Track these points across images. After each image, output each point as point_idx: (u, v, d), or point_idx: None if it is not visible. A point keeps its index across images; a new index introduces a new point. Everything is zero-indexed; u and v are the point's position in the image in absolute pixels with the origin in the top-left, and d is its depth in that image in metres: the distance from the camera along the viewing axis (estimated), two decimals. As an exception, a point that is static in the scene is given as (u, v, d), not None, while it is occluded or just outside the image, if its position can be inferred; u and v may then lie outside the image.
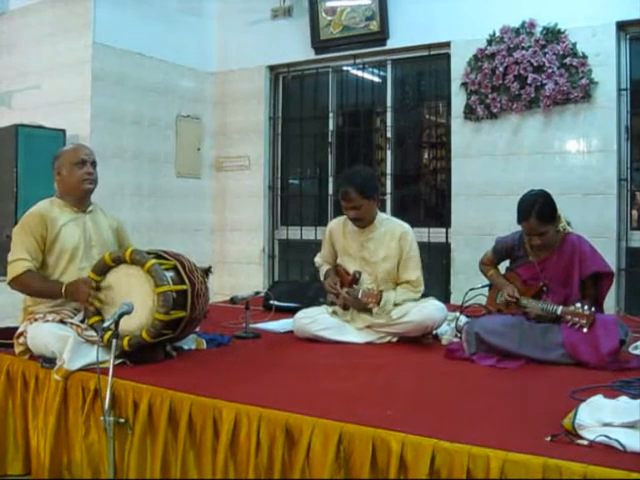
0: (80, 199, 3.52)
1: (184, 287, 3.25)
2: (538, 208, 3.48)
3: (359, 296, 3.82)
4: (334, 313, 4.01)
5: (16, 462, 3.14)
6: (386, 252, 3.98)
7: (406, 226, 4.07)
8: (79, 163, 3.46)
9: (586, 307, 3.27)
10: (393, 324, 3.82)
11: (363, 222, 3.98)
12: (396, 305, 3.86)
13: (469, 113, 5.78)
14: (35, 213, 3.38)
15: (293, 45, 6.68)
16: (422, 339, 3.81)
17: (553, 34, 5.37)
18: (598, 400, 2.29)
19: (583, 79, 5.24)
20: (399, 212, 6.09)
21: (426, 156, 6.71)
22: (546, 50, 5.37)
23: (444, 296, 5.45)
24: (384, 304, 3.79)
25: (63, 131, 5.72)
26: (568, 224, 3.68)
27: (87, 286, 3.19)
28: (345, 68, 6.77)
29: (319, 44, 6.53)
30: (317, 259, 4.34)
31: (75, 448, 2.91)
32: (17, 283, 3.30)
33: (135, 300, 2.91)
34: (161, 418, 2.67)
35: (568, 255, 3.62)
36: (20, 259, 3.27)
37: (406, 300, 3.89)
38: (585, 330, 3.21)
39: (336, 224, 4.19)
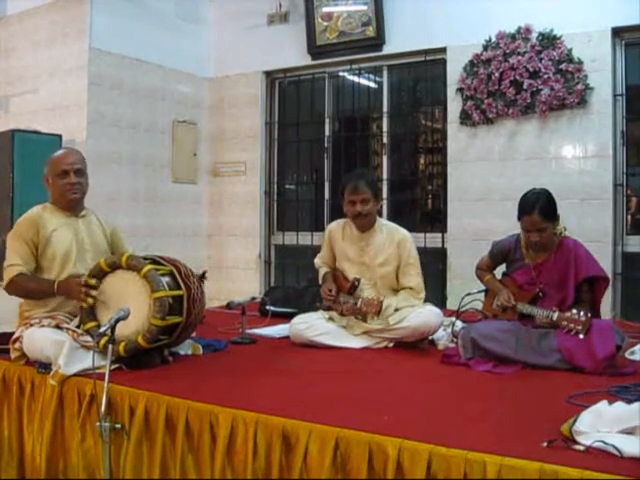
0: (69, 206, 3.53)
1: (180, 292, 3.25)
2: (542, 203, 3.53)
3: (359, 304, 3.82)
4: (331, 319, 4.00)
5: (10, 468, 3.12)
6: (385, 257, 3.98)
7: (405, 232, 4.08)
8: (61, 174, 3.46)
9: (582, 313, 3.27)
10: (390, 329, 3.82)
11: (366, 220, 3.98)
12: (396, 310, 3.86)
13: (465, 118, 5.79)
14: (26, 219, 3.41)
15: (289, 51, 6.69)
16: (418, 344, 3.81)
17: (549, 40, 5.39)
18: (601, 407, 2.28)
19: (579, 85, 5.26)
20: (395, 217, 6.09)
21: (422, 161, 6.72)
22: (542, 56, 5.39)
23: (440, 301, 5.46)
24: (384, 311, 3.78)
25: (59, 136, 5.72)
26: (564, 229, 3.69)
27: (79, 281, 3.20)
28: (341, 74, 6.78)
29: (315, 50, 6.54)
30: (317, 260, 4.34)
31: (71, 453, 2.90)
32: (12, 287, 3.32)
33: (131, 305, 2.91)
34: (158, 424, 2.66)
35: (564, 259, 3.63)
36: (13, 264, 3.31)
37: (407, 306, 3.89)
38: (581, 336, 3.22)
39: (336, 227, 4.19)
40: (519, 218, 3.61)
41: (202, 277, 3.69)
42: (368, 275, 4.00)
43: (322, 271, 4.26)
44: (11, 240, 3.37)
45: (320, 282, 4.25)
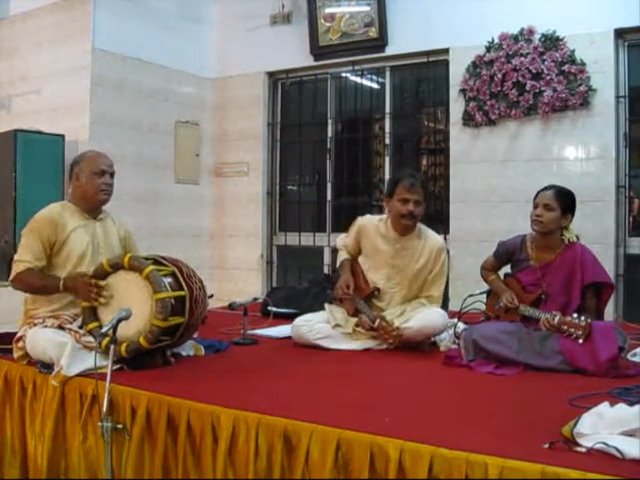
0: (94, 207, 3.54)
1: (182, 293, 3.25)
2: (561, 188, 3.73)
3: (376, 325, 3.76)
4: (338, 325, 3.90)
5: (13, 468, 3.13)
6: (422, 264, 3.94)
7: (443, 241, 4.08)
8: (99, 173, 3.46)
9: (582, 318, 3.27)
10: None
11: (412, 223, 3.90)
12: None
13: (467, 119, 5.79)
14: (45, 216, 3.39)
15: (292, 51, 6.69)
16: (420, 345, 3.80)
17: (552, 41, 5.39)
18: (602, 409, 2.28)
19: (581, 86, 5.25)
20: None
21: (425, 162, 6.72)
22: (544, 57, 5.39)
23: (442, 302, 5.44)
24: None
25: (62, 136, 5.73)
26: (577, 238, 3.72)
27: (87, 281, 3.20)
28: (344, 74, 6.79)
29: (318, 50, 6.54)
30: (339, 242, 4.24)
31: (73, 453, 2.90)
32: (18, 281, 3.33)
33: (133, 306, 2.90)
34: (159, 424, 2.66)
35: (570, 261, 3.64)
36: (22, 260, 3.30)
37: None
38: (580, 341, 3.22)
39: (370, 223, 4.07)
40: (535, 196, 3.74)
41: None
42: (398, 279, 3.96)
43: (342, 255, 4.17)
44: (26, 235, 3.36)
45: (337, 266, 4.18)
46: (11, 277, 3.36)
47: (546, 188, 3.73)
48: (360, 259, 4.12)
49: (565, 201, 3.67)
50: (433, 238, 4.03)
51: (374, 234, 4.03)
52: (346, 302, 3.98)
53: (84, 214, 3.51)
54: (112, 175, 3.54)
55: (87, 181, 3.46)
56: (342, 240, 4.24)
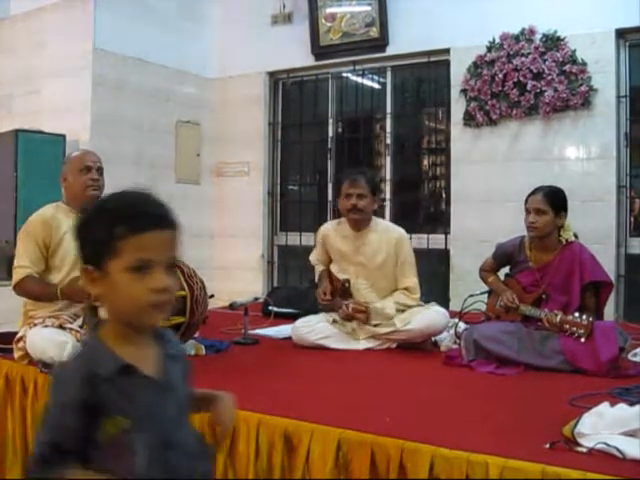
0: (85, 206, 3.51)
1: (183, 293, 3.26)
2: (549, 189, 3.70)
3: (350, 309, 3.82)
4: (335, 322, 3.95)
5: (15, 467, 3.13)
6: (383, 257, 3.95)
7: (401, 231, 4.06)
8: (83, 169, 3.46)
9: (584, 317, 3.27)
10: (396, 331, 3.79)
11: (360, 217, 3.93)
12: (402, 311, 3.86)
13: (469, 119, 5.78)
14: (38, 218, 3.40)
15: (293, 51, 6.68)
16: (421, 345, 3.81)
17: (553, 41, 5.38)
18: (603, 409, 2.28)
19: (582, 86, 5.25)
20: (398, 218, 6.09)
21: (425, 162, 6.71)
22: (546, 57, 5.38)
23: (443, 302, 5.45)
24: (378, 313, 3.78)
25: (63, 136, 5.72)
26: (575, 236, 3.72)
27: (81, 289, 3.19)
28: (345, 74, 6.78)
29: (319, 50, 6.53)
30: (312, 257, 4.32)
31: (73, 454, 2.90)
32: (19, 289, 3.33)
33: (134, 306, 2.90)
34: (160, 424, 2.66)
35: (568, 261, 3.64)
36: (21, 266, 3.31)
37: (400, 303, 3.89)
38: (582, 340, 3.22)
39: (330, 229, 4.17)
40: (526, 200, 3.72)
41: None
42: (365, 275, 3.98)
43: (318, 269, 4.24)
44: (22, 240, 3.37)
45: (317, 280, 4.23)
46: (12, 284, 3.36)
47: (534, 192, 3.71)
48: (331, 266, 4.17)
49: (556, 201, 3.65)
50: (389, 230, 4.06)
51: (335, 237, 4.10)
52: (334, 307, 4.00)
53: (78, 214, 3.49)
54: (99, 170, 3.53)
55: (74, 179, 3.47)
56: (314, 255, 4.32)
